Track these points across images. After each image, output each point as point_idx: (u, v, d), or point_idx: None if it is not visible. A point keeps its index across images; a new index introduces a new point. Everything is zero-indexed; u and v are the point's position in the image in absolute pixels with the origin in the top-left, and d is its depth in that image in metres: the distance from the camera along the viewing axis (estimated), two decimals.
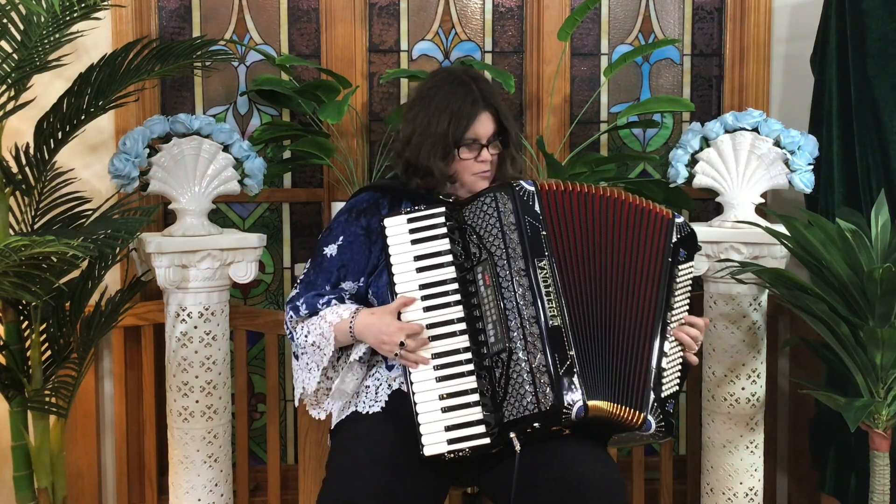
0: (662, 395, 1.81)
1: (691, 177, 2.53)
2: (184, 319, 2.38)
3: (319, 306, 1.93)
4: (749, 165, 2.48)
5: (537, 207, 1.82)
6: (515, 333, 1.74)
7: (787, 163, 2.48)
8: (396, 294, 1.82)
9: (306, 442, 2.73)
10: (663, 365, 1.83)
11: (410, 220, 1.85)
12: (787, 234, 2.21)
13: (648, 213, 1.90)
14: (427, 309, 1.80)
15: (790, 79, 2.94)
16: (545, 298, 1.75)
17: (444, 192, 2.02)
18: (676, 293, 1.89)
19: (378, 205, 2.02)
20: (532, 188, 1.83)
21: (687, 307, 1.93)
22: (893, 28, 2.46)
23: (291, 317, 1.97)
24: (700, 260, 2.49)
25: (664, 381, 1.82)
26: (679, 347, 1.88)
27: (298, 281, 2.01)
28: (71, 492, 2.67)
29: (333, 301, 1.94)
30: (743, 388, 2.50)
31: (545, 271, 1.77)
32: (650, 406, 1.79)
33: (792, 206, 2.76)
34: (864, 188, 2.52)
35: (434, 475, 1.79)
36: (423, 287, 1.81)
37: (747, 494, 2.52)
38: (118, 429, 2.79)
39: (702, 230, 2.49)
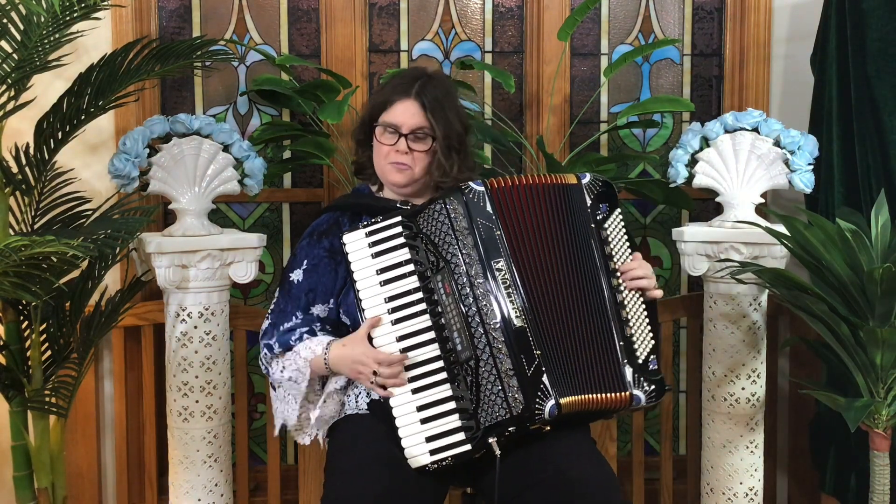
0: (639, 361, 1.79)
1: (691, 177, 2.53)
2: (184, 319, 2.38)
3: (292, 342, 1.93)
4: (749, 165, 2.48)
5: (489, 207, 1.80)
6: (480, 340, 1.73)
7: (787, 163, 2.48)
8: (363, 309, 1.82)
9: None
10: (628, 333, 1.80)
11: (369, 234, 1.84)
12: (787, 234, 2.21)
13: (558, 188, 1.86)
14: (395, 322, 1.80)
15: (790, 79, 2.93)
16: (506, 300, 1.74)
17: (377, 186, 2.04)
18: (614, 252, 1.85)
19: (338, 223, 2.02)
20: (481, 188, 1.81)
21: (629, 258, 1.89)
22: (893, 28, 2.46)
23: (266, 354, 1.97)
24: (700, 260, 2.49)
25: (636, 346, 1.80)
26: (639, 301, 1.85)
27: (269, 311, 2.00)
28: (71, 492, 2.67)
29: (305, 335, 1.93)
30: (743, 388, 2.50)
31: (503, 272, 1.76)
32: (632, 381, 1.78)
33: (792, 206, 2.76)
34: (864, 188, 2.52)
35: (433, 474, 1.79)
36: (388, 300, 1.81)
37: (747, 494, 2.52)
38: (118, 429, 2.79)
39: (702, 230, 2.50)
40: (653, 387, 1.79)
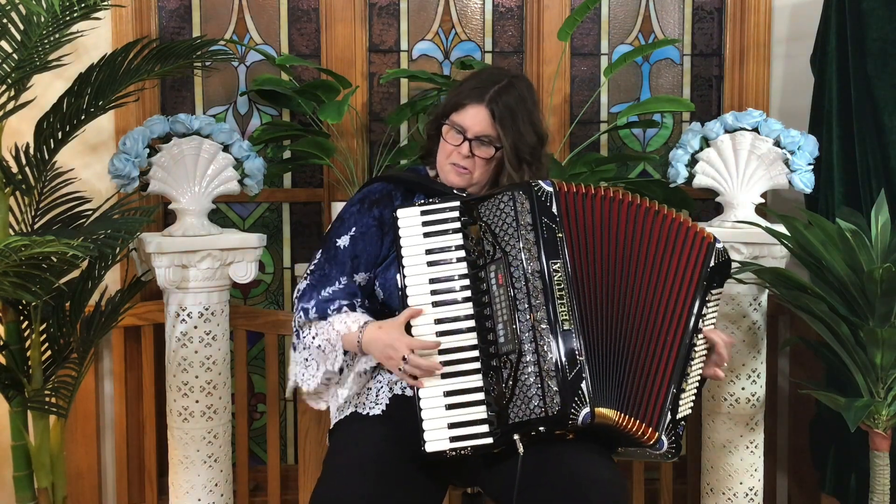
0: (678, 417, 1.80)
1: (691, 177, 2.53)
2: (184, 319, 2.38)
3: (330, 312, 1.91)
4: (749, 165, 2.49)
5: (555, 209, 1.79)
6: (526, 335, 1.72)
7: (787, 163, 2.48)
8: (406, 286, 1.79)
9: (306, 442, 2.74)
10: (683, 387, 1.81)
11: (424, 213, 1.82)
12: (787, 234, 2.21)
13: (687, 231, 1.86)
14: (436, 304, 1.78)
15: (790, 79, 2.94)
16: (558, 302, 1.73)
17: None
18: (706, 317, 1.85)
19: (391, 196, 2.00)
20: (550, 189, 1.80)
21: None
22: (893, 28, 2.46)
23: (300, 317, 1.96)
24: None
25: (681, 402, 1.81)
26: (699, 370, 1.86)
27: (309, 272, 1.97)
28: (71, 492, 2.67)
29: (345, 308, 1.91)
30: (743, 388, 2.50)
31: (559, 274, 1.75)
32: (665, 426, 1.77)
33: (792, 206, 2.76)
34: (864, 188, 2.52)
35: (429, 479, 1.79)
36: (432, 281, 1.79)
37: (747, 494, 2.52)
38: (118, 429, 2.79)
39: None
40: (675, 444, 1.79)
